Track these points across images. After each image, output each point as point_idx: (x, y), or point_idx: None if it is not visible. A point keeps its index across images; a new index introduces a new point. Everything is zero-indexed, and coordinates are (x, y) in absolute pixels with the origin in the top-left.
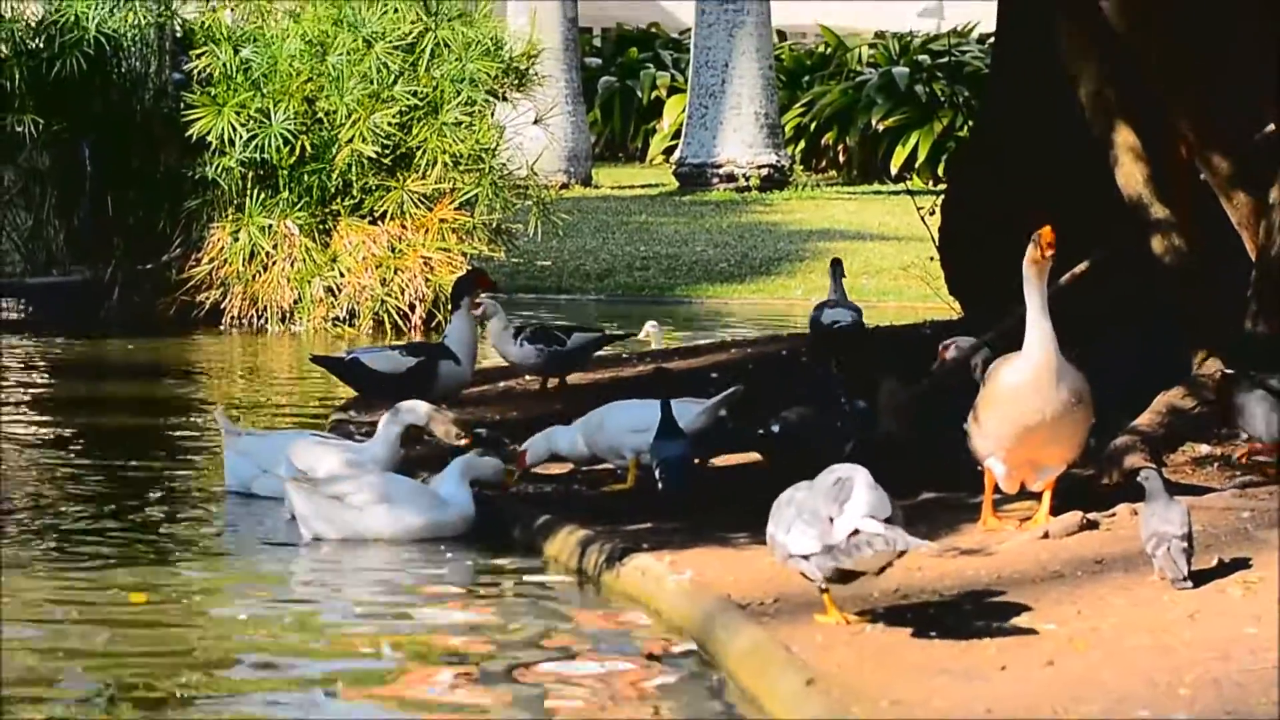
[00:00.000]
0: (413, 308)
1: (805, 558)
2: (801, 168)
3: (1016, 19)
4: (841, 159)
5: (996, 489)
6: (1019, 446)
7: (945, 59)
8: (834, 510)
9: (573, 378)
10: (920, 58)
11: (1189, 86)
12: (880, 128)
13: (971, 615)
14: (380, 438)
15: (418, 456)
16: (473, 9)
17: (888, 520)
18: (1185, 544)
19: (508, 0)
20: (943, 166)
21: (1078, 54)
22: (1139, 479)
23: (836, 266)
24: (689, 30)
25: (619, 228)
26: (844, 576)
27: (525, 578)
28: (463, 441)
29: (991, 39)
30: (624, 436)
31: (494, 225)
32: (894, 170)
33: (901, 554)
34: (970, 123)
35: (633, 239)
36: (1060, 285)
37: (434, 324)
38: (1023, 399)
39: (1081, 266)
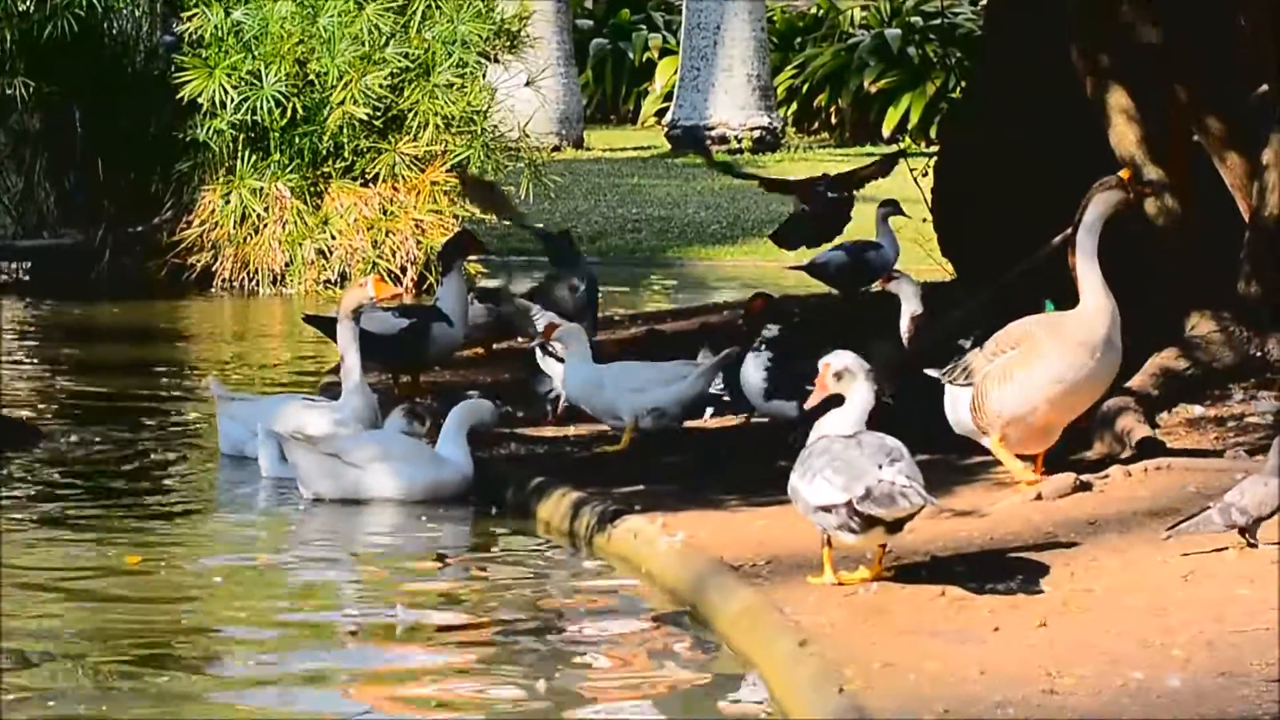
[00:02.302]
0: (404, 270)
1: (828, 509)
2: (794, 130)
3: None
4: (834, 121)
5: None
6: (1055, 407)
7: (938, 21)
8: (883, 462)
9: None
10: (913, 20)
11: (1183, 48)
12: (872, 90)
13: (964, 577)
14: (351, 389)
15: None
16: None
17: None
18: (1217, 513)
19: None
20: (935, 128)
21: (1073, 15)
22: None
23: (886, 207)
24: None
25: (611, 190)
26: (867, 524)
27: (517, 539)
28: (371, 298)
29: (984, 1)
30: (623, 397)
31: None
32: (886, 132)
33: (920, 509)
34: (963, 85)
35: (625, 201)
36: (1053, 246)
37: (426, 286)
38: (1090, 349)
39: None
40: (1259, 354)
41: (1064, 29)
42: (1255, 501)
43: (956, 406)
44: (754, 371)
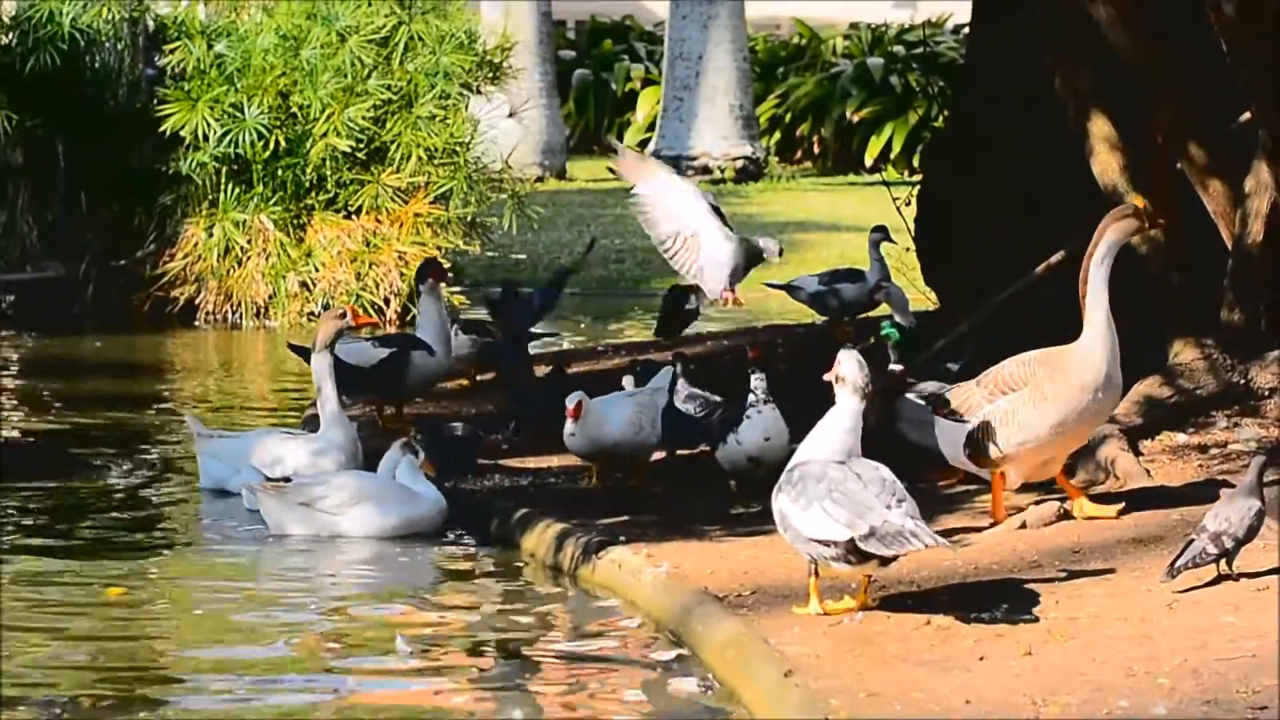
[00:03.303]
0: (388, 302)
1: (825, 543)
2: (776, 159)
3: (991, 9)
4: (816, 150)
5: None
6: (1058, 446)
7: (920, 50)
8: (890, 502)
9: (545, 369)
10: (895, 49)
11: (1165, 75)
12: (855, 119)
13: (949, 605)
14: (327, 416)
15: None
16: (446, 3)
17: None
18: (1210, 542)
19: None
20: (918, 157)
21: (1055, 43)
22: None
23: (878, 233)
24: (663, 23)
25: (593, 220)
26: (864, 559)
27: (503, 571)
28: (349, 324)
29: (966, 29)
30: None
31: (469, 219)
32: (869, 161)
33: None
34: (945, 113)
35: (607, 231)
36: (1035, 276)
37: (409, 318)
38: (1093, 389)
39: (1057, 257)
40: (1242, 381)
41: (1046, 57)
42: (1244, 526)
43: (950, 439)
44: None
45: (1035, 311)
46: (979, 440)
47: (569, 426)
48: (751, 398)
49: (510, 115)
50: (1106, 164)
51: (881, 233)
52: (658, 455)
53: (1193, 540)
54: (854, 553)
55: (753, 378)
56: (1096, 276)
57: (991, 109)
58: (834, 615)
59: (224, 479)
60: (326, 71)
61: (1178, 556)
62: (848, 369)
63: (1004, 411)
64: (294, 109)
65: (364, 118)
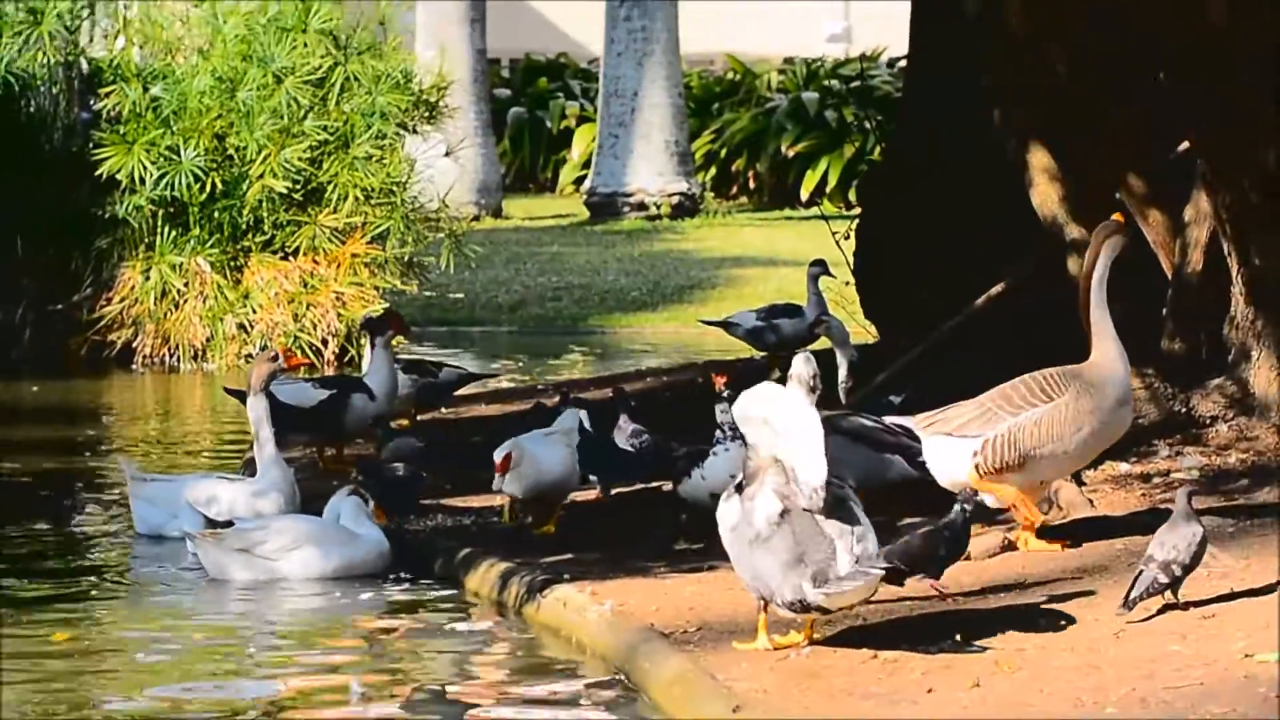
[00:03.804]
0: (325, 343)
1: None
2: (712, 195)
3: (929, 42)
4: (752, 185)
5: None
6: (1081, 456)
7: (855, 84)
8: (850, 542)
9: (490, 409)
10: (829, 83)
11: (1103, 106)
12: (790, 154)
13: (896, 639)
14: (264, 459)
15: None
16: (382, 42)
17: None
18: (1160, 571)
19: (415, 32)
20: (854, 191)
21: (994, 75)
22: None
23: (816, 267)
24: (598, 59)
25: (530, 259)
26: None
27: (447, 611)
28: (282, 367)
29: (901, 62)
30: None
31: (406, 259)
32: (805, 196)
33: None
34: (881, 147)
35: (545, 270)
36: (977, 307)
37: (347, 359)
38: (1121, 404)
39: (998, 288)
40: (1184, 410)
41: (984, 89)
42: (1190, 554)
43: (950, 457)
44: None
45: (978, 343)
46: (1000, 450)
47: (497, 480)
48: (718, 433)
49: (447, 154)
50: (1046, 195)
51: (820, 267)
52: (591, 492)
53: (1143, 571)
54: (808, 609)
55: (718, 409)
56: (1098, 296)
57: (929, 142)
58: (781, 650)
59: (160, 524)
60: (263, 113)
61: (1131, 588)
62: (796, 366)
63: (1032, 422)
64: (230, 151)
65: (300, 159)
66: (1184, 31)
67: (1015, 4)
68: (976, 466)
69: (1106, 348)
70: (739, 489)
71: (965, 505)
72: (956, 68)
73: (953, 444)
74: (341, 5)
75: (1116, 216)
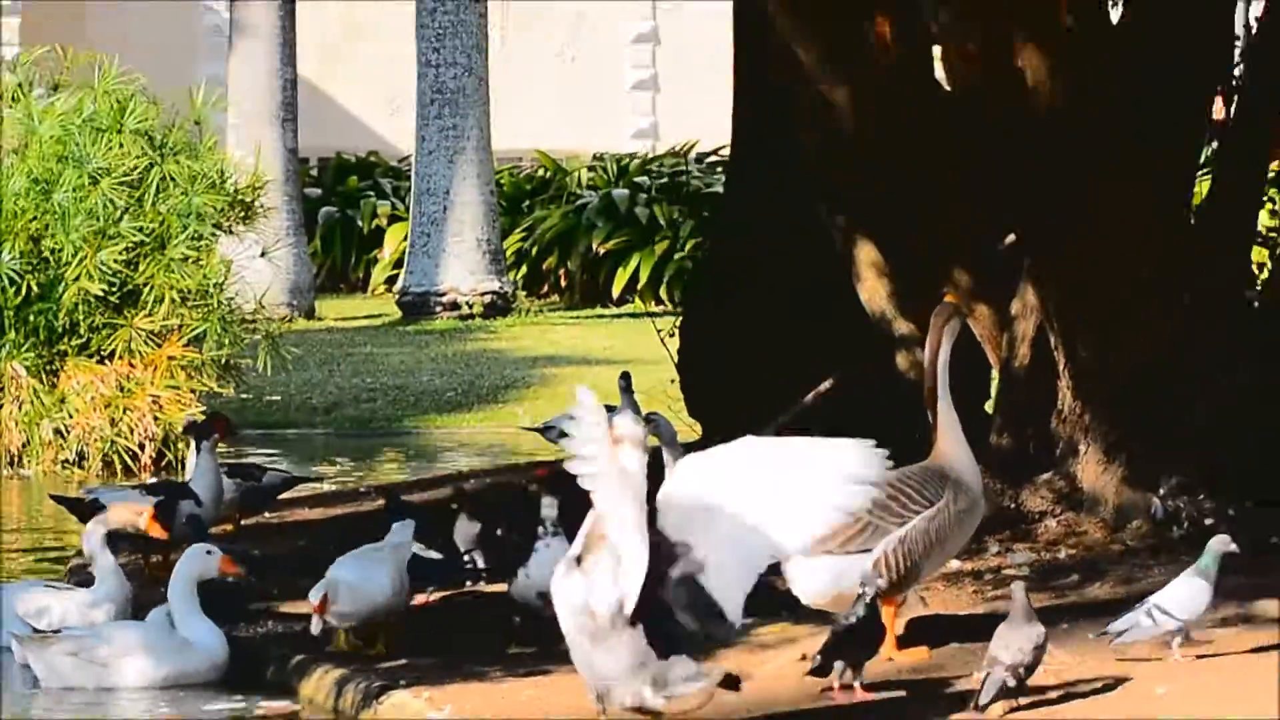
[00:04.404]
0: (142, 447)
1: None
2: (524, 293)
3: (750, 138)
4: (564, 283)
5: None
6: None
7: (664, 180)
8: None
9: (313, 512)
10: (639, 179)
11: (928, 200)
12: (601, 251)
13: None
14: (102, 569)
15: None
16: (197, 142)
17: None
18: (1009, 674)
19: (227, 131)
20: (664, 288)
21: (819, 171)
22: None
23: (624, 380)
24: (409, 158)
25: (344, 360)
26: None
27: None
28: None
29: (711, 158)
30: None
31: (223, 361)
32: (616, 293)
33: None
34: (695, 243)
35: (359, 370)
36: (806, 403)
37: (164, 463)
38: (981, 496)
39: (826, 384)
40: (1013, 506)
41: (807, 184)
42: (1032, 654)
43: (835, 577)
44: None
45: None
46: (896, 563)
47: (316, 623)
48: (540, 529)
49: (263, 255)
50: (874, 290)
51: (625, 380)
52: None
53: (990, 672)
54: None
55: (543, 504)
56: (945, 385)
57: (754, 237)
58: None
59: None
60: (79, 214)
61: (980, 690)
62: (624, 427)
63: (923, 529)
64: (46, 253)
65: (117, 260)
66: (1009, 124)
67: (842, 99)
68: (866, 580)
69: (955, 441)
70: (578, 560)
71: (867, 589)
72: (780, 163)
73: (842, 562)
74: (157, 105)
75: (950, 297)
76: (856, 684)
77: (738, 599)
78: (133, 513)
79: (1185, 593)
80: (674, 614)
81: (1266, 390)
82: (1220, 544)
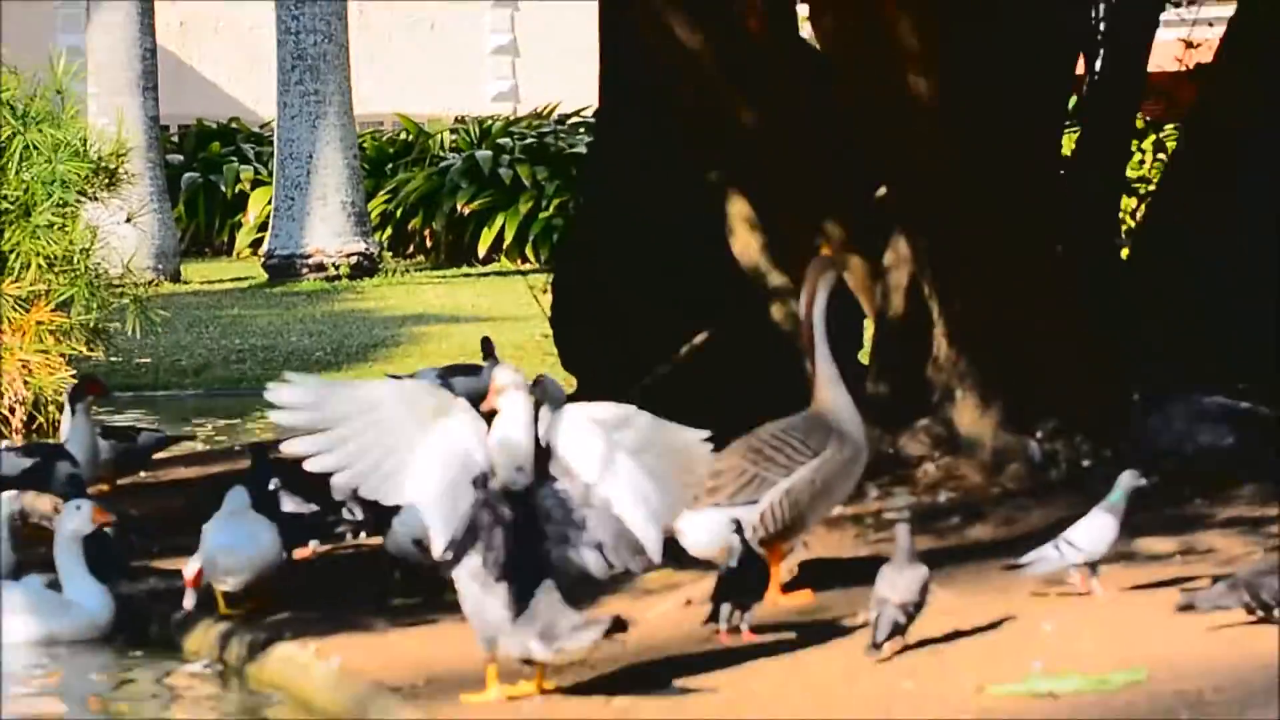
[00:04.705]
0: (13, 411)
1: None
2: (390, 254)
3: (618, 91)
4: (429, 244)
5: None
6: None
7: (528, 142)
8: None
9: (190, 470)
10: (502, 141)
11: (799, 153)
12: (466, 211)
13: (628, 686)
14: None
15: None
16: (59, 111)
17: None
18: (899, 613)
19: (89, 100)
20: (529, 247)
21: (688, 126)
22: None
23: (485, 344)
24: (270, 123)
25: (212, 322)
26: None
27: (168, 674)
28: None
29: (573, 119)
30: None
31: (92, 325)
32: (482, 253)
33: None
34: (560, 202)
35: (226, 332)
36: (680, 358)
37: (35, 426)
38: (863, 445)
39: (701, 338)
40: (891, 451)
41: (677, 139)
42: (920, 592)
43: (721, 529)
44: None
45: (683, 392)
46: (782, 513)
47: (189, 597)
48: None
49: (128, 221)
50: (747, 244)
51: (486, 344)
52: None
53: (881, 612)
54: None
55: None
56: (821, 335)
57: (625, 193)
58: (513, 700)
59: None
60: None
61: (875, 629)
62: (502, 376)
63: (808, 479)
64: None
65: None
66: (873, 76)
67: (708, 56)
68: (753, 529)
69: (835, 390)
70: None
71: (734, 537)
72: (649, 118)
73: (728, 514)
74: (18, 75)
75: (825, 250)
76: (743, 627)
77: (656, 535)
78: (49, 505)
79: (1093, 527)
80: (568, 560)
81: (1136, 334)
82: (1129, 479)
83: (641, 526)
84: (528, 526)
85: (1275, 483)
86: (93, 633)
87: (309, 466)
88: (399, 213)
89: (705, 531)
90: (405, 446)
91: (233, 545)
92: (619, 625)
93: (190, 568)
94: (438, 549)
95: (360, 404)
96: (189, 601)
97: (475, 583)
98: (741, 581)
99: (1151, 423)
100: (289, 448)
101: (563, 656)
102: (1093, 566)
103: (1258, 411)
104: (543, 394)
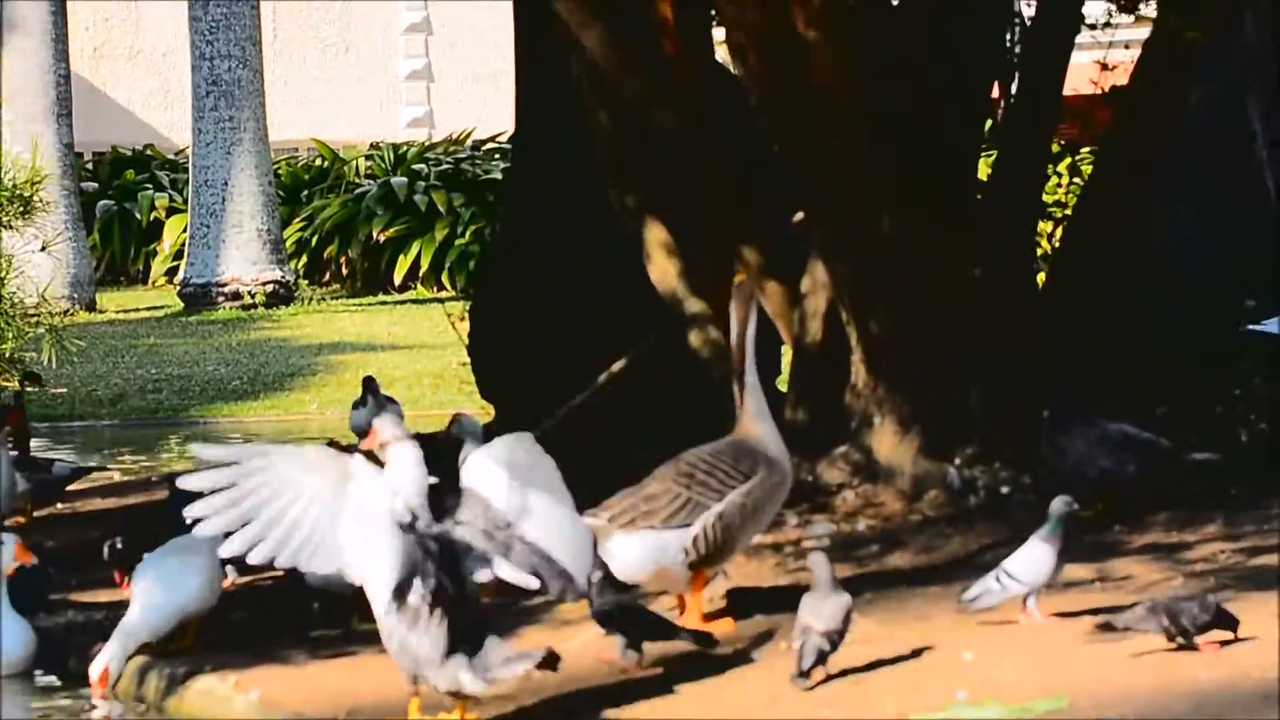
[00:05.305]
0: None
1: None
2: (306, 282)
3: (534, 117)
4: (345, 272)
5: None
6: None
7: (443, 168)
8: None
9: (106, 502)
10: (417, 167)
11: (716, 179)
12: (382, 239)
13: (552, 714)
14: None
15: None
16: None
17: None
18: (824, 641)
19: (2, 127)
20: (445, 275)
21: (605, 153)
22: (808, 562)
23: (368, 384)
24: (185, 150)
25: (128, 351)
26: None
27: (86, 709)
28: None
29: (487, 145)
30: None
31: (7, 355)
32: (398, 280)
33: None
34: (478, 229)
35: (143, 362)
36: (598, 386)
37: None
38: (788, 479)
39: (619, 365)
40: (810, 478)
41: (594, 165)
42: (843, 621)
43: (655, 553)
44: None
45: (602, 420)
46: (713, 537)
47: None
48: None
49: (43, 249)
50: (664, 270)
51: (369, 384)
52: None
53: (806, 641)
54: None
55: None
56: (752, 362)
57: (542, 218)
58: None
59: None
60: None
61: (800, 658)
62: (385, 430)
63: (739, 504)
64: None
65: None
66: (792, 100)
67: (624, 79)
68: (685, 553)
69: (761, 416)
70: None
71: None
72: (565, 143)
73: (663, 537)
74: None
75: (740, 277)
76: (633, 661)
77: (584, 565)
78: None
79: (1031, 557)
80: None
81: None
82: (1061, 505)
83: (573, 560)
84: (451, 559)
85: (1189, 509)
86: (13, 669)
87: (223, 552)
88: (314, 240)
89: (637, 555)
90: (324, 515)
91: (159, 602)
92: (551, 659)
93: (96, 668)
94: (381, 603)
95: (268, 478)
96: (100, 707)
97: (404, 619)
98: (628, 618)
99: (1055, 446)
100: (202, 530)
101: (493, 689)
102: (1034, 597)
103: (1159, 443)
104: (460, 431)
